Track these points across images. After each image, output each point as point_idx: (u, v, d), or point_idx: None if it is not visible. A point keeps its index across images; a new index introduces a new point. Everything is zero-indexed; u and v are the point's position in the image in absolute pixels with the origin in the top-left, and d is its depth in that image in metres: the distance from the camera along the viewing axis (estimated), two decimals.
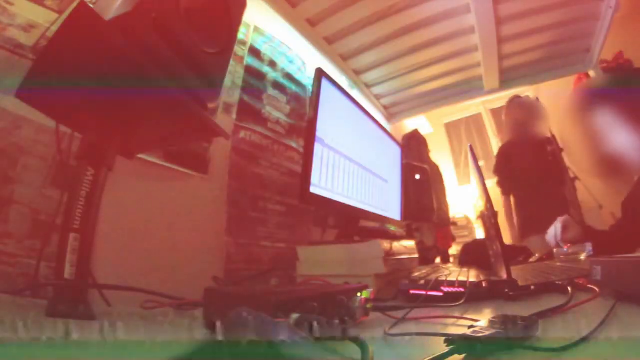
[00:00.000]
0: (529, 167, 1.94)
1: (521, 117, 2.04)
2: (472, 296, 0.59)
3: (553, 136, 2.01)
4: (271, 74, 1.26)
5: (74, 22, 0.40)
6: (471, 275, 0.77)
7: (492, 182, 2.04)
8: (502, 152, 2.14)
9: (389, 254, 0.87)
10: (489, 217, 0.83)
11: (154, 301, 0.58)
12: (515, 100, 2.13)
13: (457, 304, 0.55)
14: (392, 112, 2.27)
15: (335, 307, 0.42)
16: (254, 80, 1.18)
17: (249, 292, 0.44)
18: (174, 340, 0.31)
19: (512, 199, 2.02)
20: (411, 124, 2.56)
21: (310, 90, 1.36)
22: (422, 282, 0.67)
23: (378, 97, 2.10)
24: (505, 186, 2.03)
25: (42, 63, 0.46)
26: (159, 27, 0.47)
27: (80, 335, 0.34)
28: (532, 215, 1.86)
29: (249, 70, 1.16)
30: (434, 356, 0.27)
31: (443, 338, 0.29)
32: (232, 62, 1.07)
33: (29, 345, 0.26)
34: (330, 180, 0.90)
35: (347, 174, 0.99)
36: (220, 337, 0.22)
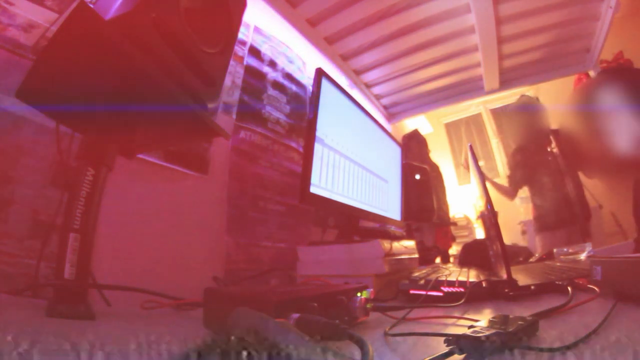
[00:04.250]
0: (537, 166, 1.98)
1: (527, 120, 2.06)
2: (472, 296, 0.59)
3: (554, 135, 2.01)
4: (271, 74, 1.26)
5: (74, 22, 0.40)
6: (471, 275, 0.77)
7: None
8: (515, 162, 2.14)
9: (389, 254, 0.87)
10: (489, 217, 0.83)
11: (154, 301, 0.58)
12: (520, 103, 2.14)
13: (457, 304, 0.55)
14: (392, 112, 2.27)
15: (335, 307, 0.42)
16: (254, 80, 1.18)
17: (249, 292, 0.44)
18: (173, 341, 0.31)
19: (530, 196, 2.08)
20: (411, 124, 2.56)
21: (310, 90, 1.36)
22: (422, 282, 0.67)
23: (378, 97, 2.10)
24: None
25: (42, 63, 0.46)
26: (159, 27, 0.47)
27: (79, 335, 0.34)
28: (542, 212, 1.93)
29: (249, 70, 1.16)
30: (434, 356, 0.27)
31: (443, 338, 0.29)
32: (232, 62, 1.07)
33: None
34: (330, 180, 0.90)
35: (347, 174, 0.99)
36: (220, 337, 0.22)
